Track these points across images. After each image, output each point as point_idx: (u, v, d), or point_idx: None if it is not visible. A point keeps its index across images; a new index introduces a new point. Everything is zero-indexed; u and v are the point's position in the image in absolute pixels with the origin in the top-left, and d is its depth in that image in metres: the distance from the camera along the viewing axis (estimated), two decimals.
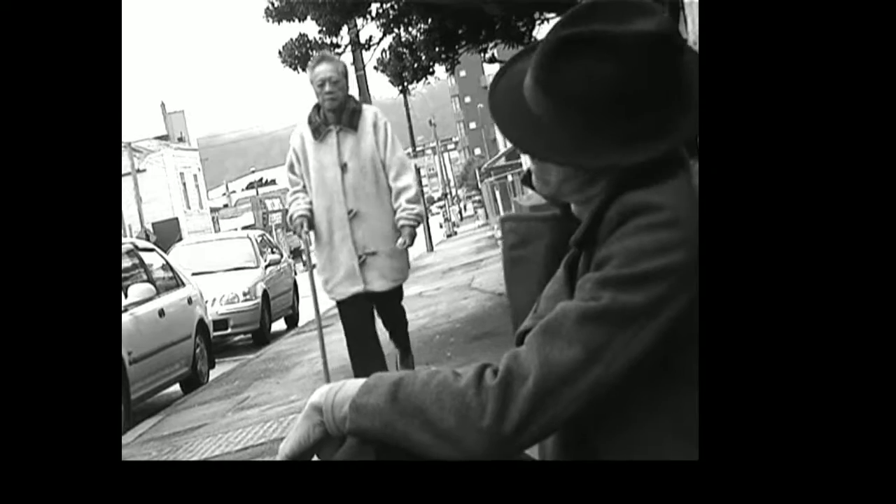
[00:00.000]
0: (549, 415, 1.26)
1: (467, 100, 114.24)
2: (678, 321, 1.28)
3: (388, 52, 11.78)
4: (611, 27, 1.31)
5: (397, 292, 5.63)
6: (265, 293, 12.99)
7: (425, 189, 37.66)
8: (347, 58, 12.34)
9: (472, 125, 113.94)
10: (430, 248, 27.97)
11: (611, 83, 1.31)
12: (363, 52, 12.83)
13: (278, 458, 1.41)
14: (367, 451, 1.34)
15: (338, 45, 11.41)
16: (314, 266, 5.78)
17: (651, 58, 1.30)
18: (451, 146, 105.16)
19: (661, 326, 1.27)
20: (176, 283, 9.69)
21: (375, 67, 12.14)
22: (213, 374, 9.85)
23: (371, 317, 5.63)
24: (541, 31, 10.98)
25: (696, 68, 1.36)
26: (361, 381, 1.36)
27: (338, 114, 5.38)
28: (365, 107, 5.54)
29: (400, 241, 5.33)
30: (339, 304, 5.57)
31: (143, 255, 9.35)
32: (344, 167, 5.36)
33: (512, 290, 1.54)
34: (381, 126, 5.43)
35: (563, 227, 1.47)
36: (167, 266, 9.76)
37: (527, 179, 1.49)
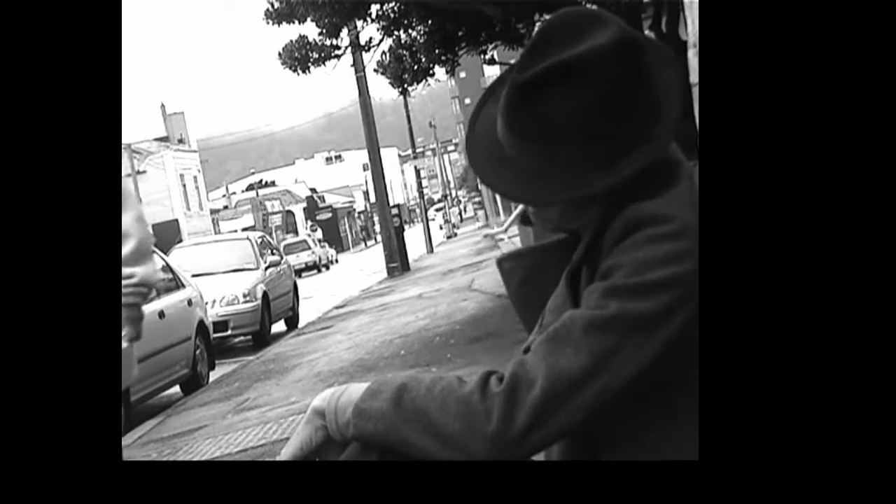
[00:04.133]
0: (555, 422, 1.25)
1: (467, 101, 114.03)
2: (685, 330, 1.26)
3: (388, 54, 11.81)
4: (566, 52, 1.30)
5: None
6: (265, 295, 13.00)
7: (425, 191, 36.94)
8: (347, 59, 12.34)
9: None
10: (431, 250, 27.97)
11: (579, 111, 1.30)
12: (363, 53, 12.84)
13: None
14: (370, 456, 1.33)
15: (338, 47, 11.43)
16: None
17: (614, 69, 1.29)
18: (451, 148, 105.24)
19: (669, 335, 1.26)
20: (176, 284, 9.70)
21: (375, 70, 12.16)
22: (213, 375, 9.87)
23: None
24: None
25: (670, 66, 1.36)
26: (364, 385, 1.35)
27: None
28: None
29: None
30: None
31: None
32: None
33: (528, 323, 1.51)
34: None
35: (570, 248, 1.45)
36: (167, 268, 9.76)
37: (525, 220, 1.49)
